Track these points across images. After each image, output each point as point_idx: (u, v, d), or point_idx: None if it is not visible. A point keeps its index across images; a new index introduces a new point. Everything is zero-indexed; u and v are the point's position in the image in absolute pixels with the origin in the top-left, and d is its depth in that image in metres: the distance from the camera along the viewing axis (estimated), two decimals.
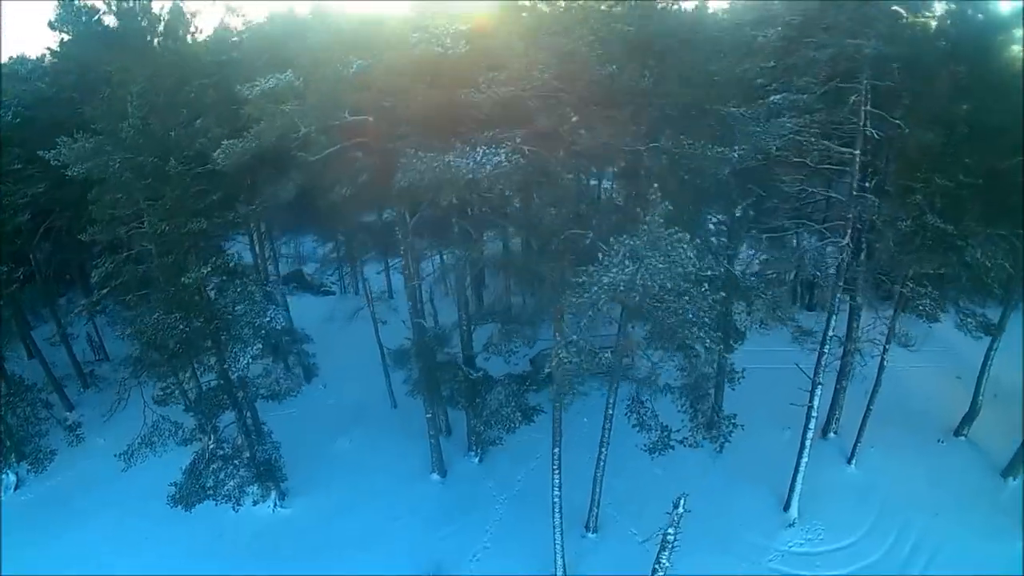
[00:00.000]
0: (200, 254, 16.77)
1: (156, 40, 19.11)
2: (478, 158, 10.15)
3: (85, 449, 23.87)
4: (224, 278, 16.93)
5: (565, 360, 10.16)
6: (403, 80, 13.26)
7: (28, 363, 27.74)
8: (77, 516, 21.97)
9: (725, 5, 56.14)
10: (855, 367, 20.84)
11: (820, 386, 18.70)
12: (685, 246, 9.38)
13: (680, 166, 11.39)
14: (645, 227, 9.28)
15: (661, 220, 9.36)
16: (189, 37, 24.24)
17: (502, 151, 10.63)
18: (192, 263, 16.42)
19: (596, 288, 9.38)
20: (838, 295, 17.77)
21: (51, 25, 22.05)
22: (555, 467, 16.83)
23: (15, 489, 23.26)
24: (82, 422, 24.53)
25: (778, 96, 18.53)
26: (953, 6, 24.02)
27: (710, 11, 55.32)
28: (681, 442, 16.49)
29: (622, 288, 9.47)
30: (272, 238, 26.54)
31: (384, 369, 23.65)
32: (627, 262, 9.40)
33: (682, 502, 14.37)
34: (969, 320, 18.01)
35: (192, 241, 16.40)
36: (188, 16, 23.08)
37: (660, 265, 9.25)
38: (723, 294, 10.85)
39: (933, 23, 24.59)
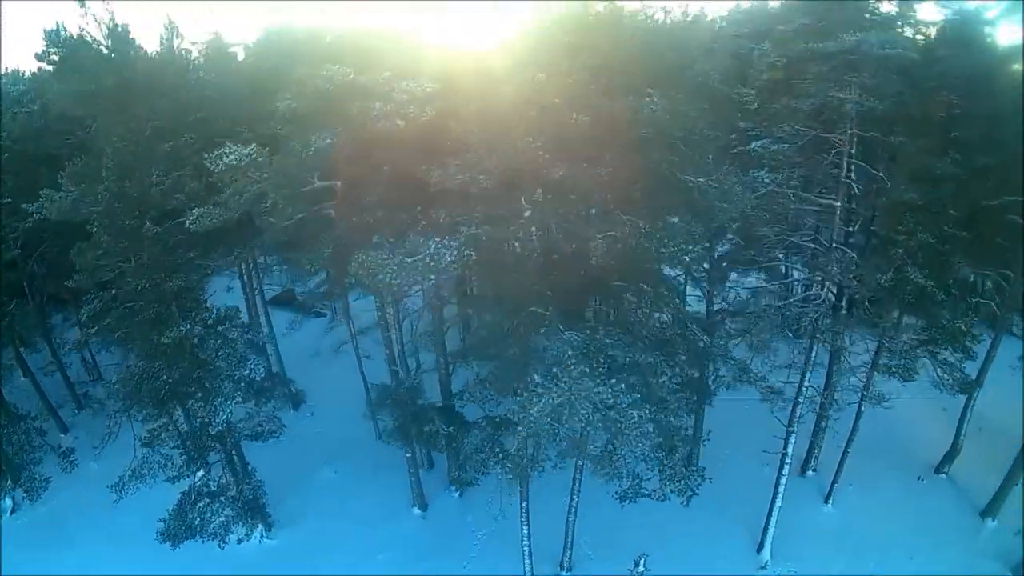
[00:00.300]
0: (181, 307, 17.33)
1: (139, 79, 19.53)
2: (429, 257, 10.54)
3: (79, 474, 24.81)
4: (206, 329, 17.49)
5: (513, 466, 10.65)
6: (367, 153, 13.62)
7: (22, 381, 28.72)
8: (71, 540, 23.21)
9: (725, 12, 55.11)
10: (836, 402, 21.11)
11: (794, 435, 19.10)
12: (606, 396, 9.76)
13: (638, 254, 11.69)
14: (566, 381, 9.69)
15: (576, 376, 9.74)
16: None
17: (455, 244, 11.00)
18: (173, 318, 17.03)
19: (524, 425, 9.83)
20: (815, 348, 18.04)
21: (38, 57, 22.61)
22: (523, 519, 17.55)
23: (11, 513, 24.40)
24: (75, 447, 25.41)
25: (759, 143, 18.65)
26: (949, 16, 23.90)
27: (708, 18, 54.45)
28: (649, 495, 16.94)
29: (549, 424, 9.91)
30: (259, 270, 27.09)
31: (368, 401, 24.29)
32: (553, 396, 9.83)
33: (643, 561, 14.98)
34: (946, 377, 18.21)
35: (172, 297, 16.93)
36: (178, 51, 23.58)
37: (582, 411, 9.66)
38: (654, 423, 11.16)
39: (932, 36, 24.49)
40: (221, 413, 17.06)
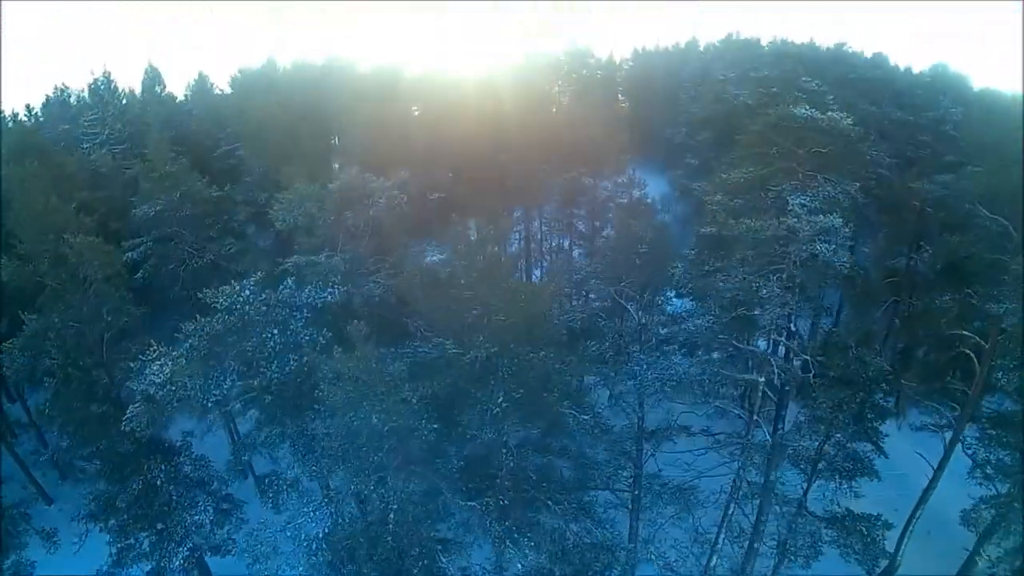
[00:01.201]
0: (136, 464, 19.71)
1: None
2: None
3: (62, 554, 28.04)
4: (160, 484, 19.93)
5: None
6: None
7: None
8: None
9: (716, 43, 54.52)
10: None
11: None
12: None
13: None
14: None
15: None
16: None
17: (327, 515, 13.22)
18: (131, 471, 19.52)
19: None
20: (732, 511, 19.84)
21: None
22: None
23: None
24: (58, 528, 28.55)
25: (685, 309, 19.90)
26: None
27: (701, 48, 54.63)
28: None
29: None
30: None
31: None
32: None
33: None
34: (856, 556, 20.01)
35: (128, 457, 19.28)
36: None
37: None
38: None
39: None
40: (175, 559, 19.71)
